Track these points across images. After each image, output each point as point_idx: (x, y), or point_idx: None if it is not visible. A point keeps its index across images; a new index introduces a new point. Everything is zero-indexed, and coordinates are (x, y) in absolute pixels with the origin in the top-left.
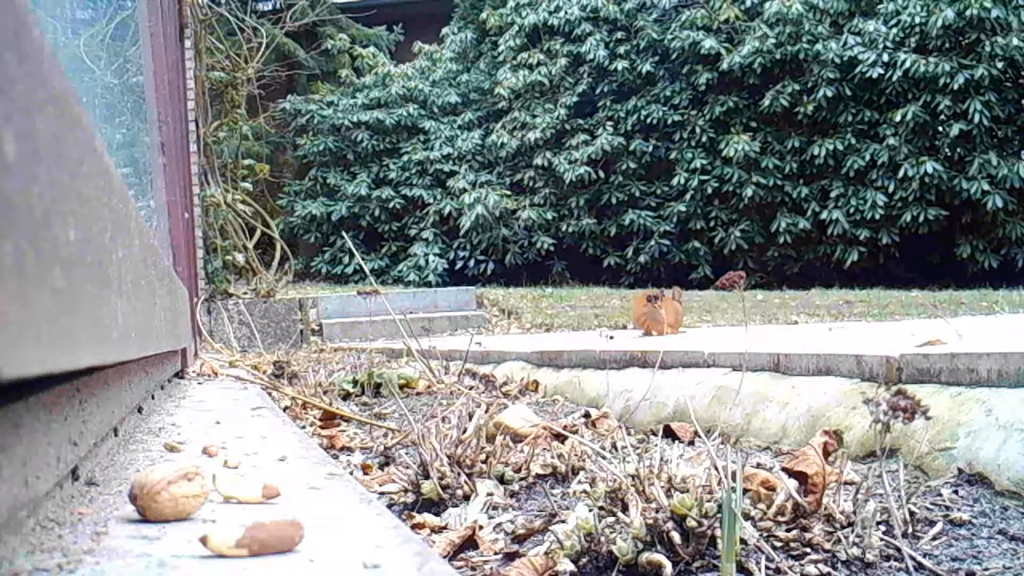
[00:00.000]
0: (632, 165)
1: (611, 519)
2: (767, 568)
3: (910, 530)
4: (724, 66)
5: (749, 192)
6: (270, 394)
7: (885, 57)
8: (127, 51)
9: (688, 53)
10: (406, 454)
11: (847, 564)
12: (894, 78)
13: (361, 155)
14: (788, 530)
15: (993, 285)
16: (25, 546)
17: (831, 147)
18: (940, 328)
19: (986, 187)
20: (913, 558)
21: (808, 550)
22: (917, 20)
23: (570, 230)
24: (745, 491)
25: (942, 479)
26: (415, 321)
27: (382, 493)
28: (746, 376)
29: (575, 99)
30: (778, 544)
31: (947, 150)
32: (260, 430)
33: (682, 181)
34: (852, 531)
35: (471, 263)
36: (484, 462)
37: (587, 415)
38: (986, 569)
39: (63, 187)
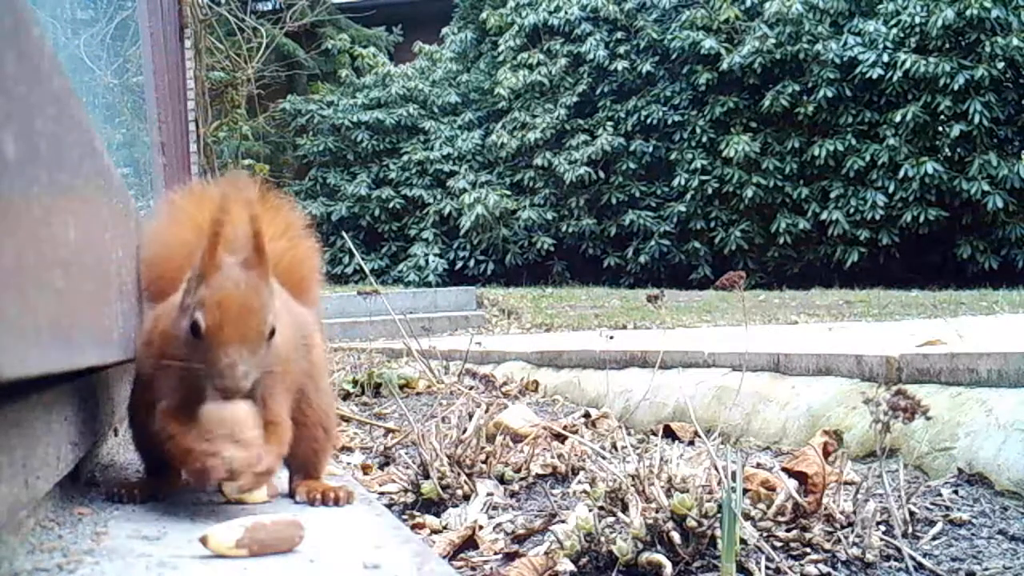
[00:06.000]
0: (632, 165)
1: (611, 519)
2: (767, 568)
3: (910, 530)
4: (724, 66)
5: (749, 193)
6: None
7: (885, 57)
8: (127, 51)
9: (688, 53)
10: (406, 454)
11: (847, 564)
12: (894, 78)
13: (361, 155)
14: (788, 530)
15: (993, 285)
16: (25, 546)
17: (831, 148)
18: (940, 328)
19: (986, 188)
20: (913, 558)
21: (808, 550)
22: (917, 20)
23: (570, 230)
24: (745, 491)
25: (942, 479)
26: (415, 321)
27: (382, 493)
28: (746, 376)
29: (575, 99)
30: (778, 544)
31: (947, 150)
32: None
33: (682, 181)
34: (852, 531)
35: (471, 263)
36: (484, 462)
37: (587, 415)
38: (986, 569)
39: (63, 187)
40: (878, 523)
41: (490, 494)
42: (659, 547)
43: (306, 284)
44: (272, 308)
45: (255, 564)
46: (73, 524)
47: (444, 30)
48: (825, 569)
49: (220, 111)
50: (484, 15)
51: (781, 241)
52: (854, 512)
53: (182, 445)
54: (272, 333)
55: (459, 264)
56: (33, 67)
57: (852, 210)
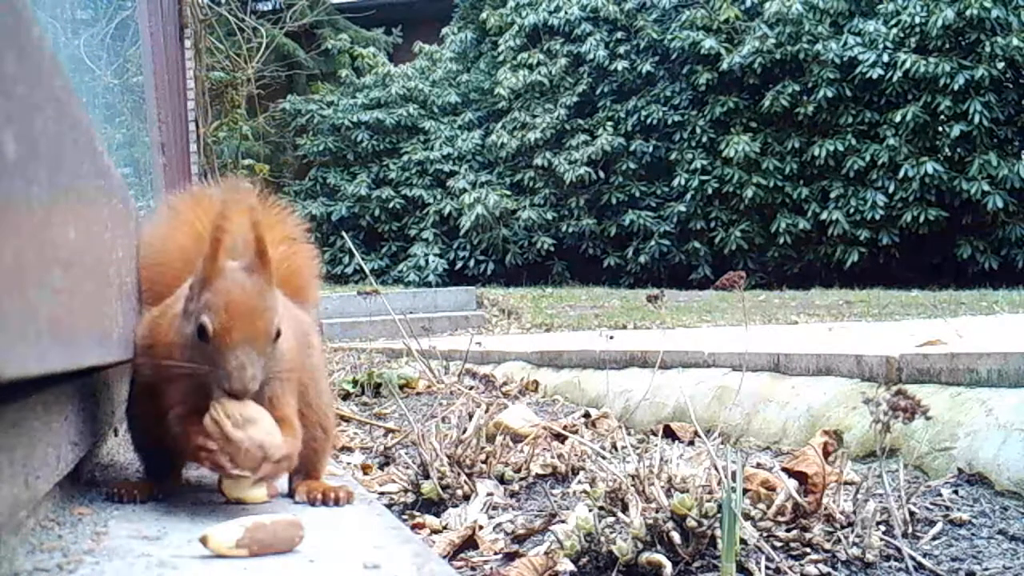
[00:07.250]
0: (632, 165)
1: (611, 519)
2: (767, 568)
3: (910, 530)
4: (724, 66)
5: (749, 193)
6: None
7: (885, 57)
8: (127, 51)
9: (688, 53)
10: (406, 454)
11: (847, 564)
12: (894, 78)
13: (361, 155)
14: (788, 530)
15: (993, 285)
16: (25, 546)
17: (831, 148)
18: (940, 328)
19: (986, 188)
20: (913, 558)
21: (808, 550)
22: (917, 20)
23: (570, 230)
24: (745, 491)
25: (942, 479)
26: (415, 321)
27: (382, 493)
28: (746, 376)
29: (575, 99)
30: (778, 544)
31: (947, 151)
32: None
33: (682, 182)
34: (852, 531)
35: (471, 263)
36: (484, 462)
37: (587, 415)
38: (986, 569)
39: (63, 187)
40: (878, 523)
41: (490, 494)
42: (659, 547)
43: (305, 291)
44: (277, 310)
45: (255, 564)
46: (73, 524)
47: (444, 30)
48: (825, 569)
49: (220, 111)
50: (484, 15)
51: (781, 241)
52: (854, 512)
53: (198, 436)
54: (278, 335)
55: (459, 264)
56: (33, 67)
57: (852, 210)
